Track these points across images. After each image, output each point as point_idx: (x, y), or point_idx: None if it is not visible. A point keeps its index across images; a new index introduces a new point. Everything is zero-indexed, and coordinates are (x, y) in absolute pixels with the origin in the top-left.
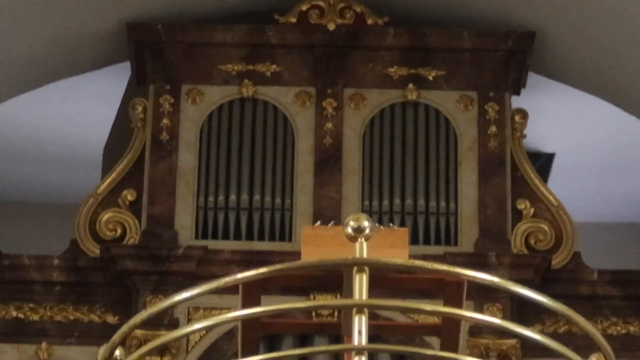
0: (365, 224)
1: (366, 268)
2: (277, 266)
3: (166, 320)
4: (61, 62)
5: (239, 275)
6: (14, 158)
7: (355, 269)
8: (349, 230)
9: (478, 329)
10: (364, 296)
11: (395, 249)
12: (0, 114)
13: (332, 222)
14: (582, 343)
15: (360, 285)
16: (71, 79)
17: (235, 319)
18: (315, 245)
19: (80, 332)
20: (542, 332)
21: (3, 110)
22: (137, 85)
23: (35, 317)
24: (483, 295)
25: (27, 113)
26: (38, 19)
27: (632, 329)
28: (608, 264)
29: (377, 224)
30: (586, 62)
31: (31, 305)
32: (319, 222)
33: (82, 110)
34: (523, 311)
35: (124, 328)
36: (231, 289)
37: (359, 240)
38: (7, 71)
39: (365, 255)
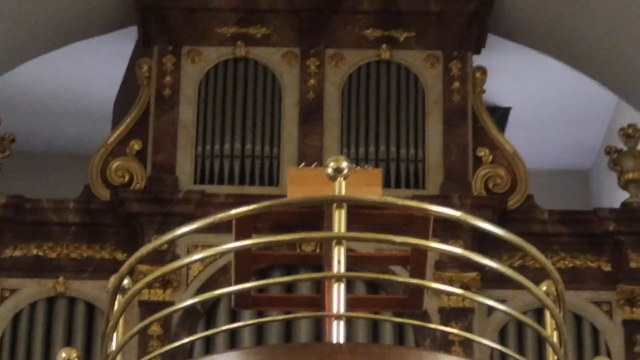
0: (344, 164)
1: (344, 204)
2: (266, 203)
3: (169, 257)
4: (76, 26)
5: (232, 212)
6: (34, 113)
7: (334, 205)
8: (329, 170)
9: (443, 263)
10: (343, 229)
11: (370, 187)
12: (23, 74)
13: (314, 164)
14: (534, 275)
15: (339, 219)
16: (85, 42)
17: (229, 250)
18: (299, 185)
19: (93, 268)
20: None
21: (25, 70)
22: (143, 47)
23: (53, 255)
24: (447, 233)
25: (47, 73)
26: None
27: (578, 262)
28: (557, 205)
29: (354, 166)
30: (541, 24)
31: (49, 244)
32: (303, 164)
33: (94, 70)
34: (482, 247)
35: (131, 260)
36: (226, 228)
37: (338, 179)
38: (26, 34)
39: (343, 193)
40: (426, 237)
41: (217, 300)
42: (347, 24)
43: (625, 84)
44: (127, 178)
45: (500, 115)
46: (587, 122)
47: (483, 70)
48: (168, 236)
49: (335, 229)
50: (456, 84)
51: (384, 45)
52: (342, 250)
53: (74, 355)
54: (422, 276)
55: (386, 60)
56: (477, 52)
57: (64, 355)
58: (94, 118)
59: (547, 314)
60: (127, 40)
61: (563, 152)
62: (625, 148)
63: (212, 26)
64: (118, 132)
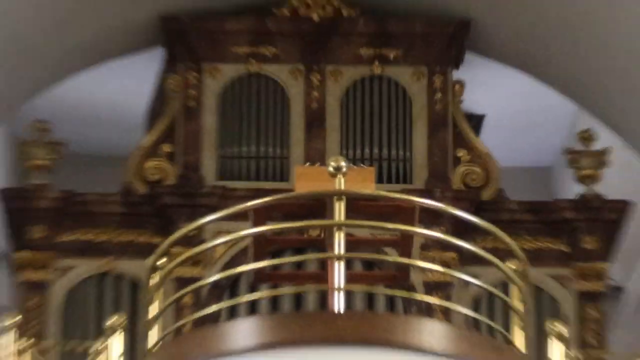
0: (343, 164)
1: (343, 197)
2: (279, 196)
3: (197, 241)
4: (112, 47)
5: (250, 203)
6: (82, 122)
7: (335, 197)
8: (331, 168)
9: (427, 245)
10: (342, 218)
11: (365, 182)
12: (71, 89)
13: (318, 164)
14: (503, 256)
15: (340, 209)
16: (121, 61)
17: (248, 235)
18: (305, 181)
19: (134, 250)
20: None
21: (73, 85)
22: (169, 65)
23: (101, 239)
24: (430, 221)
25: (91, 87)
26: (93, 11)
27: (540, 244)
28: (524, 197)
29: (351, 165)
30: (510, 43)
31: (97, 230)
32: (308, 164)
33: (129, 85)
34: (460, 232)
35: (165, 243)
36: (245, 217)
37: (338, 176)
38: (71, 52)
39: (343, 187)
40: (413, 224)
41: (238, 276)
42: (345, 44)
43: (583, 94)
44: (160, 175)
45: (476, 121)
46: (550, 127)
47: (461, 83)
48: (196, 224)
49: (336, 218)
50: (438, 95)
51: (376, 62)
52: (342, 235)
53: (121, 321)
54: (409, 256)
55: (378, 75)
56: (457, 67)
57: (113, 321)
58: (128, 126)
59: (514, 288)
60: (155, 60)
61: (529, 152)
62: (582, 149)
63: (228, 46)
64: (151, 136)
